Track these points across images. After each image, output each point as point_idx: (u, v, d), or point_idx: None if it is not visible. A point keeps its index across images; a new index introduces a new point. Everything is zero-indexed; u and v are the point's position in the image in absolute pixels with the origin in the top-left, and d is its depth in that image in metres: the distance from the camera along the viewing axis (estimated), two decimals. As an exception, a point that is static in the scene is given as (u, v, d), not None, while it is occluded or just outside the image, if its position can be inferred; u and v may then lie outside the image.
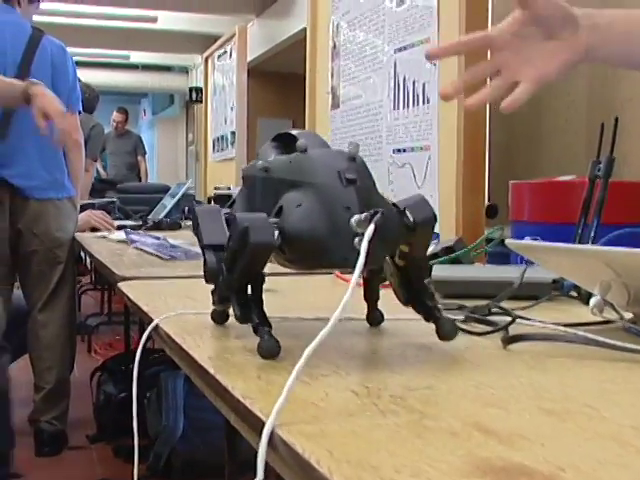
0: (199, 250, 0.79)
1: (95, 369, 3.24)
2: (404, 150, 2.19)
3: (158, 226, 2.98)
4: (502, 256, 1.73)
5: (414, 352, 0.73)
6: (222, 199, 3.28)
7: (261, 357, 0.67)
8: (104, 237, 2.54)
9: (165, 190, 4.02)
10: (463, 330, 0.81)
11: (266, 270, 0.70)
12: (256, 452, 0.48)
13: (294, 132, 0.81)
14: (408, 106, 2.16)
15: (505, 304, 0.91)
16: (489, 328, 0.81)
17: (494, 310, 0.90)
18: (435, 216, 0.70)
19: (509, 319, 0.81)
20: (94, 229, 3.01)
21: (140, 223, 3.13)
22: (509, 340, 0.74)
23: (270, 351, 0.67)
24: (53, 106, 2.24)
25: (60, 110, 2.25)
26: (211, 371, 0.64)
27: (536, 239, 1.88)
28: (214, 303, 0.80)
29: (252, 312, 0.70)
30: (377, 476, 0.40)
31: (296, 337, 0.75)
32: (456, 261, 1.24)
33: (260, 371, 0.63)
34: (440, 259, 1.18)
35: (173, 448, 2.42)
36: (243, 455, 1.84)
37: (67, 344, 2.86)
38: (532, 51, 0.85)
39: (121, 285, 1.22)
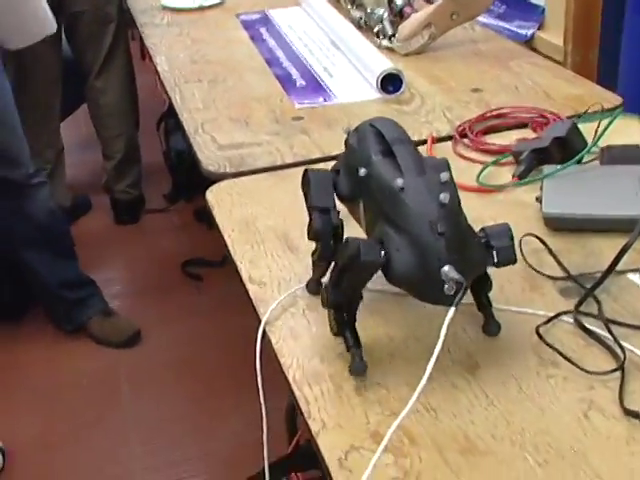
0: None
1: (160, 117, 3.36)
2: None
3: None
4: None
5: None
6: None
7: (351, 375, 0.89)
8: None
9: None
10: (572, 363, 0.89)
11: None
12: None
13: (388, 138, 0.94)
14: None
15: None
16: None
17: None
18: (515, 258, 0.90)
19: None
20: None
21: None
22: (632, 414, 0.81)
23: (358, 372, 0.89)
24: None
25: None
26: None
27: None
28: (314, 272, 1.02)
29: (347, 329, 0.91)
30: None
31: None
32: (567, 149, 1.27)
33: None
34: (553, 171, 1.21)
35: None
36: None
37: (130, 108, 2.98)
38: None
39: (209, 197, 1.31)
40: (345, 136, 1.01)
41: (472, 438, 0.81)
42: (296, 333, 0.98)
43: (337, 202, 0.97)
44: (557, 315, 0.96)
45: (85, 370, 2.36)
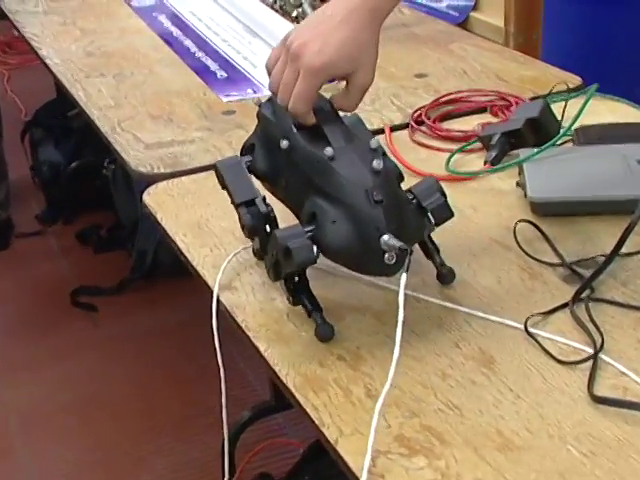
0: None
1: (25, 127, 3.29)
2: None
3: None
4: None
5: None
6: None
7: (319, 340, 0.96)
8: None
9: None
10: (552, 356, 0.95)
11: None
12: None
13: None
14: None
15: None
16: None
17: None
18: (452, 213, 0.99)
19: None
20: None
21: None
22: (598, 399, 0.87)
23: (326, 336, 0.96)
24: None
25: None
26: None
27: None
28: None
29: (302, 295, 0.97)
30: None
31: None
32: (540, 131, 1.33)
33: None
34: (532, 154, 1.26)
35: (159, 243, 2.58)
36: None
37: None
38: None
39: (148, 201, 1.32)
40: (257, 108, 1.06)
41: (506, 434, 0.85)
42: (285, 338, 1.00)
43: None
44: (560, 307, 1.02)
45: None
